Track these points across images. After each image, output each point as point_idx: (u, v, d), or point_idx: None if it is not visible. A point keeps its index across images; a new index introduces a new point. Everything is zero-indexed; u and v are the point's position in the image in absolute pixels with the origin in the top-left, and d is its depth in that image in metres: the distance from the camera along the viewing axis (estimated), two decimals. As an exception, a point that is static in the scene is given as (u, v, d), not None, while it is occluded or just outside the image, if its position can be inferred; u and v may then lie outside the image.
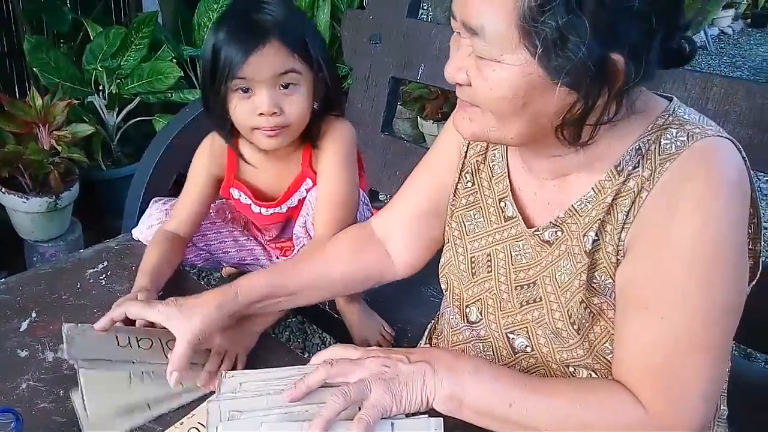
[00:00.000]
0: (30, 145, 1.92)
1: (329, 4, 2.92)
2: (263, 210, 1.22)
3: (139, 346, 0.86)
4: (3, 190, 1.97)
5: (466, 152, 0.87)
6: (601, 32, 0.59)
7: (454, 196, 0.88)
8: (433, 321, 1.06)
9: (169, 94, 2.32)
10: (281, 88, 1.03)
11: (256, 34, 1.00)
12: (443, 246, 0.93)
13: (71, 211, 2.12)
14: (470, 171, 0.86)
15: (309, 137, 1.14)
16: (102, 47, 2.25)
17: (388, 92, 1.73)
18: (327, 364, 0.72)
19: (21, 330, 0.96)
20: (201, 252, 1.32)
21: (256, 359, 0.92)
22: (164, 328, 0.85)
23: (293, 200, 1.21)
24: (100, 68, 2.25)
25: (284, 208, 1.22)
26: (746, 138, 1.16)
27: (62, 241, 2.09)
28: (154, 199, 1.30)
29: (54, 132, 1.97)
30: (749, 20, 6.95)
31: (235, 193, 1.22)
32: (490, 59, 0.64)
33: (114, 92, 2.29)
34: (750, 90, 1.17)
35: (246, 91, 1.03)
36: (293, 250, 1.25)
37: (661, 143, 0.68)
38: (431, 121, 3.09)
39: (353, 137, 1.17)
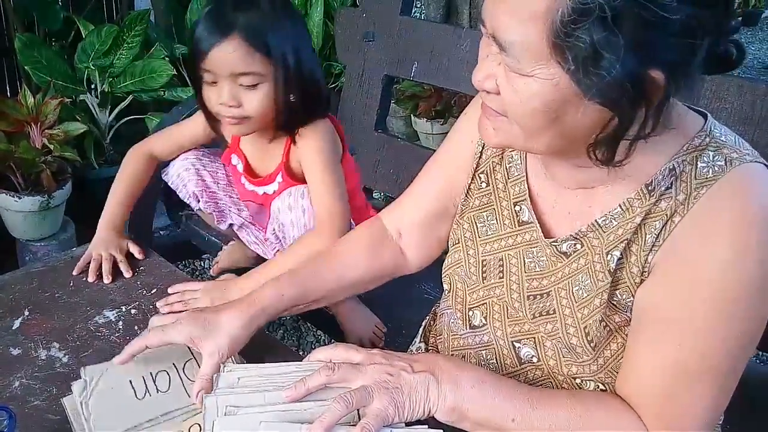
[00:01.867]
0: (22, 144, 1.90)
1: (322, 2, 2.91)
2: (247, 183, 1.30)
3: (157, 390, 0.81)
4: (-6, 189, 1.96)
5: (481, 152, 0.85)
6: (639, 49, 0.56)
7: (467, 196, 0.86)
8: (428, 318, 1.06)
9: (162, 93, 2.31)
10: (242, 83, 1.08)
11: (219, 30, 1.06)
12: (448, 246, 0.91)
13: (64, 210, 2.11)
14: (485, 171, 0.84)
15: (288, 130, 1.18)
16: (94, 45, 2.24)
17: (382, 90, 1.73)
18: (328, 368, 0.71)
19: (14, 328, 0.95)
20: (219, 201, 1.40)
21: (250, 357, 0.91)
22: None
23: (269, 188, 1.27)
24: (92, 66, 2.24)
25: (261, 191, 1.28)
26: (737, 134, 1.17)
27: (55, 240, 2.08)
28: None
29: (46, 130, 1.96)
30: (740, 18, 6.99)
31: (234, 159, 1.31)
32: (522, 74, 0.62)
33: (106, 90, 2.28)
34: (741, 86, 1.17)
35: (213, 80, 1.10)
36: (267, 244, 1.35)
37: (698, 166, 0.66)
38: (425, 119, 3.09)
39: (331, 136, 1.19)
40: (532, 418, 0.69)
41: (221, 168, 1.40)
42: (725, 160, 0.65)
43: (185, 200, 1.42)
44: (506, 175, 0.82)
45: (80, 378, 0.80)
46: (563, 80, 0.60)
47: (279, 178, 1.25)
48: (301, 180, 1.23)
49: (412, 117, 3.18)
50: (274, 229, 1.28)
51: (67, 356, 0.91)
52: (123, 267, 1.11)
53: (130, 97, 2.31)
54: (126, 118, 2.35)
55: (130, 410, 0.78)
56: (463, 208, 0.87)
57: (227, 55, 1.06)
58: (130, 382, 0.81)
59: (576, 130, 0.64)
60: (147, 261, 1.14)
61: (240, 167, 1.31)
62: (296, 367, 0.75)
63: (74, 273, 1.08)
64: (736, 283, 0.64)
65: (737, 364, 0.68)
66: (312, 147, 1.17)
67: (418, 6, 3.43)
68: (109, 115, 2.33)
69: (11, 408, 0.73)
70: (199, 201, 1.39)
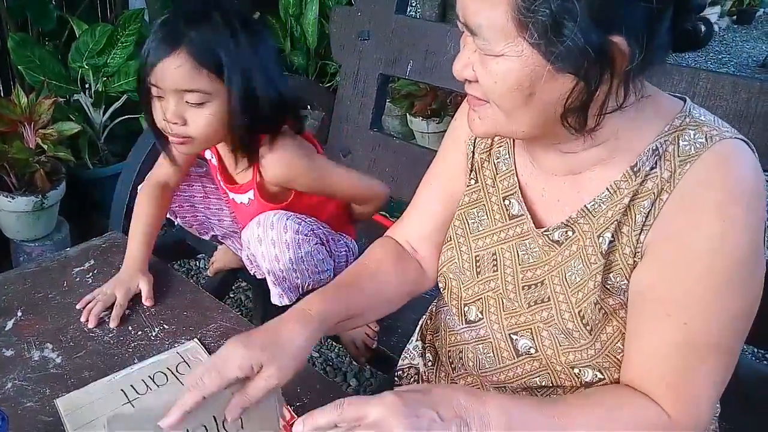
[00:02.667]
0: (15, 144, 1.89)
1: (317, 1, 2.91)
2: (222, 182, 1.28)
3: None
4: (-12, 189, 1.95)
5: (473, 152, 0.86)
6: (597, 15, 0.59)
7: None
8: (425, 316, 1.05)
9: (156, 92, 2.30)
10: (188, 101, 1.03)
11: (167, 44, 1.01)
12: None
13: (58, 210, 2.10)
14: (474, 169, 0.86)
15: (244, 152, 1.13)
16: (88, 45, 2.23)
17: (377, 89, 1.73)
18: None
19: (6, 329, 0.95)
20: (198, 214, 1.38)
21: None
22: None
23: (241, 198, 1.24)
24: (86, 66, 2.23)
25: (233, 197, 1.26)
26: (732, 132, 1.17)
27: (49, 241, 2.07)
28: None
29: (39, 130, 1.95)
30: (734, 17, 7.00)
31: (208, 154, 1.28)
32: (492, 54, 0.64)
33: (100, 90, 2.27)
34: (736, 84, 1.18)
35: (159, 95, 1.04)
36: None
37: (680, 144, 0.68)
38: (420, 118, 3.09)
39: (299, 149, 1.15)
40: None
41: (198, 179, 1.37)
42: (705, 137, 0.68)
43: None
44: (494, 170, 0.83)
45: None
46: (531, 54, 0.62)
47: (251, 195, 1.21)
48: (279, 201, 1.19)
49: (408, 116, 3.18)
50: (247, 256, 1.24)
51: (60, 357, 0.90)
52: (145, 295, 1.04)
53: (125, 97, 2.30)
54: (120, 118, 2.34)
55: None
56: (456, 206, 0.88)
57: (173, 71, 1.00)
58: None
59: (553, 104, 0.66)
60: (141, 261, 1.13)
61: (214, 161, 1.26)
62: None
63: (77, 306, 1.00)
64: (728, 255, 0.65)
65: (738, 338, 0.69)
66: (283, 168, 1.13)
67: (413, 5, 3.43)
68: (104, 115, 2.32)
69: (4, 410, 0.72)
70: (176, 217, 1.36)
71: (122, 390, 0.83)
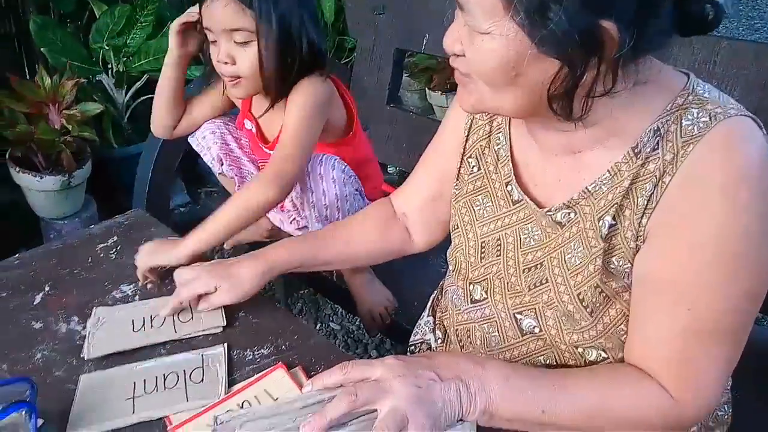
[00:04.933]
0: (40, 125, 1.94)
1: (334, -25, 2.88)
2: (262, 145, 1.36)
3: (152, 326, 0.92)
4: (17, 169, 2.00)
5: (467, 136, 0.85)
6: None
7: (458, 181, 0.88)
8: (435, 293, 1.07)
9: (177, 71, 2.32)
10: (236, 40, 1.13)
11: None
12: (450, 231, 0.93)
13: (85, 188, 2.16)
14: (474, 156, 0.85)
15: (278, 92, 1.21)
16: (108, 26, 2.25)
17: (393, 64, 1.72)
18: (349, 393, 0.65)
19: (35, 303, 0.99)
20: (240, 166, 1.46)
21: (267, 332, 0.93)
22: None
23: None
24: (106, 47, 2.25)
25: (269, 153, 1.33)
26: (755, 101, 1.14)
27: (77, 218, 2.13)
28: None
29: (63, 111, 1.99)
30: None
31: (248, 124, 1.36)
32: (480, 31, 0.63)
33: (121, 70, 2.30)
34: (758, 52, 1.14)
35: (213, 39, 1.16)
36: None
37: (683, 124, 0.66)
38: (439, 92, 3.06)
39: (318, 94, 1.21)
40: (560, 406, 0.69)
41: (245, 135, 1.43)
42: (709, 115, 0.65)
43: (209, 164, 1.45)
44: (495, 157, 0.83)
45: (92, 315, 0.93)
46: (517, 35, 0.61)
47: None
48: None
49: (427, 90, 3.16)
50: (292, 198, 1.31)
51: (86, 330, 0.94)
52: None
53: (146, 77, 2.32)
54: (143, 97, 2.37)
55: (123, 338, 0.89)
56: (457, 193, 0.88)
57: (220, 11, 1.10)
58: (132, 320, 0.93)
59: (539, 85, 0.64)
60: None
61: (254, 130, 1.35)
62: (302, 401, 0.67)
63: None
64: (735, 238, 0.64)
65: (747, 319, 0.68)
66: (294, 101, 1.20)
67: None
68: (126, 95, 2.35)
69: (33, 379, 0.76)
70: (222, 164, 1.43)
71: (135, 382, 0.82)
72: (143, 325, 0.92)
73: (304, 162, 1.20)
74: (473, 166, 0.86)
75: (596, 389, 0.70)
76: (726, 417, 0.86)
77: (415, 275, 1.44)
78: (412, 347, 1.04)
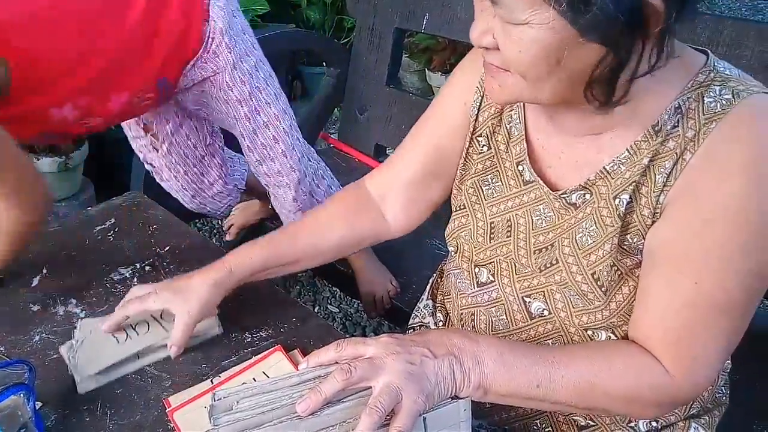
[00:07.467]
0: (37, 106, 1.92)
1: (333, -47, 2.84)
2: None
3: (137, 333, 0.87)
4: (13, 150, 1.99)
5: (477, 115, 0.83)
6: None
7: (465, 160, 0.86)
8: (434, 275, 1.06)
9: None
10: None
11: None
12: (452, 211, 0.90)
13: (82, 170, 2.14)
14: (485, 135, 0.83)
15: None
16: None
17: (393, 44, 1.71)
18: (344, 370, 0.65)
19: (33, 285, 0.98)
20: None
21: (266, 315, 0.93)
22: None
23: None
24: (103, 26, 2.23)
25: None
26: (760, 81, 1.13)
27: (75, 200, 2.12)
28: None
29: (60, 92, 1.97)
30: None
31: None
32: (516, 23, 0.60)
33: (118, 50, 2.27)
34: (761, 32, 1.13)
35: None
36: None
37: (705, 102, 0.65)
38: (439, 72, 3.04)
39: None
40: (556, 381, 0.69)
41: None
42: (732, 93, 0.64)
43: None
44: (507, 136, 0.81)
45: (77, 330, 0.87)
46: (558, 22, 0.58)
47: None
48: None
49: (427, 71, 3.13)
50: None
51: (84, 312, 0.94)
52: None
53: (143, 57, 2.30)
54: (139, 78, 2.34)
55: (110, 352, 0.84)
56: (463, 173, 0.86)
57: None
58: (114, 335, 0.87)
59: (580, 72, 0.63)
60: (161, 220, 1.16)
61: None
62: (298, 377, 0.68)
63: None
64: (753, 215, 0.63)
65: (752, 300, 0.67)
66: None
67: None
68: (123, 76, 2.33)
69: (31, 361, 0.76)
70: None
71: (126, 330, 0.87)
72: (127, 336, 0.87)
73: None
74: (483, 146, 0.84)
75: (591, 365, 0.70)
76: (724, 398, 0.87)
77: (414, 257, 1.44)
78: (411, 331, 1.04)
